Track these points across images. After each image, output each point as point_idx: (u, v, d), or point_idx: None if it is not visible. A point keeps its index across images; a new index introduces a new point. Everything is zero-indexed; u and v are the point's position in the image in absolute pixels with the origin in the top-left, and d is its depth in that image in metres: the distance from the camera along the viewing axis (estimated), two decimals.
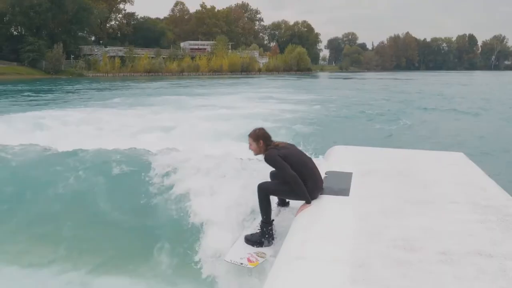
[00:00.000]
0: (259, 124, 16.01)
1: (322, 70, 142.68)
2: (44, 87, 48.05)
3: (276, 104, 25.50)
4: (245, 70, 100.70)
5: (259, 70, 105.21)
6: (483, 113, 24.22)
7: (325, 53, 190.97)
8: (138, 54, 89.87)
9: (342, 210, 4.62)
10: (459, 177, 6.00)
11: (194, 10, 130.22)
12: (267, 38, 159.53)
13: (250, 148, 5.23)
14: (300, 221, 4.53)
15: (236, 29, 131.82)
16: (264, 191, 5.03)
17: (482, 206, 4.74)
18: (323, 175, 5.63)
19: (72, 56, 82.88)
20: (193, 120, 16.59)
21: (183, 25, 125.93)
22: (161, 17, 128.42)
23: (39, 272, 6.13)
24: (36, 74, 73.51)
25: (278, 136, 12.76)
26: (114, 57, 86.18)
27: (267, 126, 15.34)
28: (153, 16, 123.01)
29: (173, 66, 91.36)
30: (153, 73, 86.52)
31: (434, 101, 31.08)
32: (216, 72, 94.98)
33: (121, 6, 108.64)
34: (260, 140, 5.11)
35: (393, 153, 7.52)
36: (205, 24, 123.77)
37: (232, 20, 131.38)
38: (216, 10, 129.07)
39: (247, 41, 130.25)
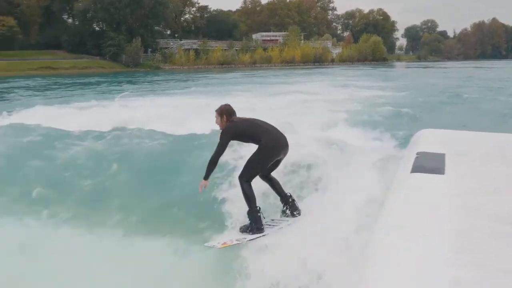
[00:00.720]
0: (348, 108, 16.13)
1: (398, 59, 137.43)
2: (132, 78, 50.24)
3: (360, 91, 24.98)
4: (318, 60, 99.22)
5: (332, 61, 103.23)
6: None
7: (401, 42, 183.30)
8: (212, 47, 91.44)
9: (439, 186, 4.60)
10: None
11: (266, 1, 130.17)
12: (340, 27, 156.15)
13: (216, 123, 5.55)
14: (396, 194, 4.58)
15: (309, 19, 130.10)
16: (241, 179, 5.34)
17: None
18: (413, 157, 5.61)
19: (149, 50, 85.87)
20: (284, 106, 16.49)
21: (255, 16, 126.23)
22: (234, 9, 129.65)
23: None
24: (117, 67, 77.00)
25: (364, 118, 12.53)
26: (188, 49, 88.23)
27: (355, 110, 15.07)
28: (225, 8, 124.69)
29: (246, 57, 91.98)
30: (226, 65, 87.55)
31: None
32: (288, 63, 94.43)
33: None
34: (224, 115, 5.43)
35: (487, 137, 7.19)
36: (277, 15, 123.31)
37: (304, 10, 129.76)
38: (288, 0, 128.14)
39: (319, 31, 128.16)
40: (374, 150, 7.48)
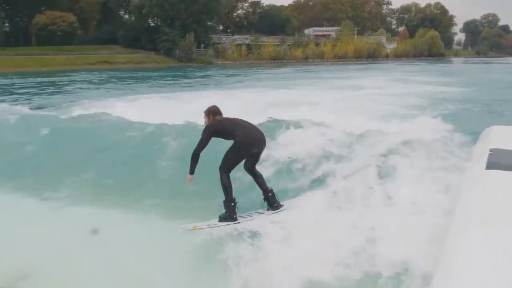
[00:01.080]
0: (411, 102, 15.87)
1: (456, 55, 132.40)
2: (186, 73, 51.09)
3: (421, 86, 24.37)
4: (372, 56, 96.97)
5: (387, 56, 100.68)
6: None
7: (460, 37, 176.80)
8: (264, 42, 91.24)
9: None
10: None
11: None
12: (395, 22, 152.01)
13: (204, 122, 6.07)
14: (473, 191, 4.51)
15: (362, 13, 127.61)
16: (220, 170, 5.80)
17: None
18: (486, 153, 5.56)
19: (202, 45, 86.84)
20: (351, 99, 16.37)
21: (308, 11, 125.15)
22: (286, 4, 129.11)
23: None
24: (170, 62, 78.31)
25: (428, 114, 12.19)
26: (241, 45, 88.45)
27: (417, 104, 14.72)
28: (278, 3, 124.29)
29: (298, 53, 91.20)
30: (278, 60, 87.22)
31: None
32: (341, 58, 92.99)
33: None
34: (210, 115, 5.98)
35: None
36: (330, 9, 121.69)
37: (358, 4, 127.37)
38: None
39: (373, 26, 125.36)
40: (441, 144, 7.32)
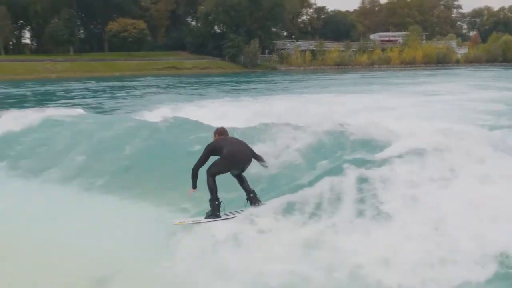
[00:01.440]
0: (498, 107, 15.23)
1: None
2: (255, 78, 51.62)
3: (503, 92, 23.04)
4: (441, 61, 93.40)
5: (457, 62, 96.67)
6: None
7: None
8: (328, 48, 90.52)
9: None
10: None
11: (385, 1, 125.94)
12: (466, 26, 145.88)
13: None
14: None
15: (431, 18, 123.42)
16: (207, 173, 6.41)
17: None
18: None
19: (266, 51, 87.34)
20: (436, 105, 15.94)
21: (373, 16, 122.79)
22: (351, 9, 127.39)
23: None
24: (235, 68, 79.42)
25: None
26: (305, 50, 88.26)
27: (503, 110, 13.96)
28: (343, 9, 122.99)
29: (363, 58, 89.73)
30: (343, 65, 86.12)
31: None
32: (408, 64, 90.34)
33: (312, 0, 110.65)
34: (216, 134, 6.87)
35: None
36: (397, 14, 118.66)
37: (426, 9, 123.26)
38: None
39: (442, 30, 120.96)
40: None
